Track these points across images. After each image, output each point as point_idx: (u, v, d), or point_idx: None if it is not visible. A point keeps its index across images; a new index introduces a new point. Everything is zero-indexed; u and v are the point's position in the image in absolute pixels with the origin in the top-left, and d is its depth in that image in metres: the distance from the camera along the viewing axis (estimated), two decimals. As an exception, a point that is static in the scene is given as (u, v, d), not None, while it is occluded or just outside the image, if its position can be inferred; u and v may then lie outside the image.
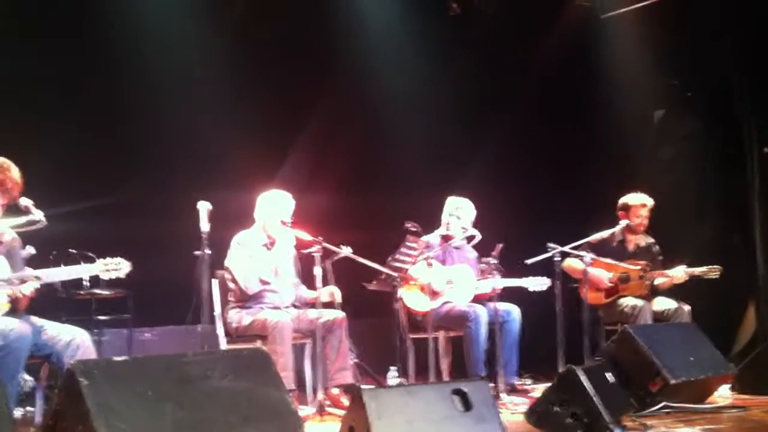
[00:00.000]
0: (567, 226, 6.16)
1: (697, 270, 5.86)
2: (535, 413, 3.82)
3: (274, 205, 5.18)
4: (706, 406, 4.52)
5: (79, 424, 2.60)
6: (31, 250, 4.06)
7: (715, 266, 5.84)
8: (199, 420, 2.82)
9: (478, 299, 5.66)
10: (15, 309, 3.78)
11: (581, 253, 5.59)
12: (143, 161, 6.11)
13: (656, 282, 5.96)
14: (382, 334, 5.84)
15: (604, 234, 5.94)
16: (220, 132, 6.29)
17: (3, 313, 3.68)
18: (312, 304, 5.07)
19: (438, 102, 7.36)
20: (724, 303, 6.56)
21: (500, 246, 5.23)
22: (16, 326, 3.53)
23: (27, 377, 3.86)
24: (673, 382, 4.31)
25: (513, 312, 5.64)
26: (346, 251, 4.95)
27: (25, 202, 3.83)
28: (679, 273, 5.88)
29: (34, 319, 3.81)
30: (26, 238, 4.03)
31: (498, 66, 7.43)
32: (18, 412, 4.25)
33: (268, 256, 5.17)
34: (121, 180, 5.99)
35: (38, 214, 3.77)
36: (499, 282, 5.27)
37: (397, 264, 5.03)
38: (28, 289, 3.70)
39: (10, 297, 3.75)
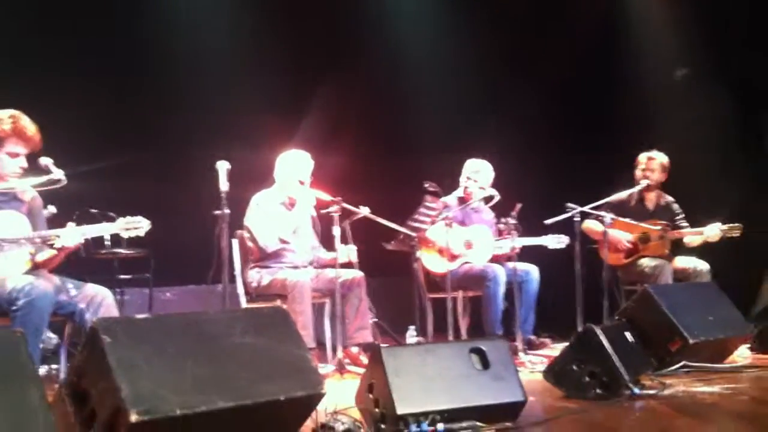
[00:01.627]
0: (587, 186, 6.11)
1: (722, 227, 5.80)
2: (553, 372, 3.83)
3: (293, 165, 5.18)
4: (724, 366, 4.50)
5: (101, 381, 2.63)
6: (52, 209, 4.10)
7: (736, 224, 5.77)
8: (219, 376, 2.84)
9: (497, 259, 5.66)
10: (43, 267, 3.82)
11: (601, 213, 5.56)
12: (164, 121, 6.14)
13: (686, 240, 5.89)
14: (400, 293, 5.88)
15: (623, 195, 5.92)
16: (239, 93, 6.29)
17: (24, 272, 3.72)
18: (331, 266, 5.08)
19: (459, 63, 7.29)
20: (744, 263, 6.49)
21: (519, 206, 5.20)
22: (40, 284, 3.57)
23: (51, 335, 3.92)
24: (692, 341, 4.30)
25: (532, 272, 5.64)
26: (364, 211, 4.95)
27: (44, 161, 3.84)
28: (714, 231, 5.76)
29: (57, 277, 3.84)
30: (47, 197, 4.06)
31: (520, 27, 7.32)
32: (42, 370, 4.33)
33: (287, 215, 5.19)
34: (142, 140, 6.03)
35: (58, 173, 3.79)
36: (517, 241, 5.26)
37: (416, 224, 5.03)
38: (73, 240, 3.71)
39: (32, 255, 3.79)
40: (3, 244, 3.69)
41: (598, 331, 3.77)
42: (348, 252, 4.99)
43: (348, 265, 5.06)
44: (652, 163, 6.00)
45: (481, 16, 7.29)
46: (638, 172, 6.01)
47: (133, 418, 2.47)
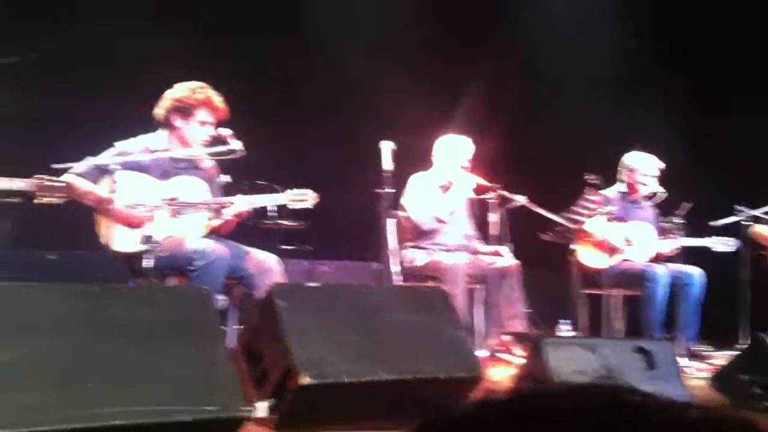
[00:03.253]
0: (759, 189, 5.76)
1: None
2: (720, 379, 3.66)
3: (453, 149, 5.18)
4: None
5: (274, 342, 2.75)
6: (226, 178, 4.30)
7: None
8: (380, 350, 2.91)
9: (659, 259, 5.43)
10: (216, 232, 4.03)
11: (773, 218, 5.24)
12: (335, 101, 6.34)
13: None
14: (553, 285, 5.77)
15: (801, 199, 5.53)
16: (404, 79, 6.39)
17: (203, 236, 3.94)
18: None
19: (623, 52, 7.04)
20: None
21: (686, 205, 4.98)
22: (217, 247, 3.76)
23: (220, 297, 4.11)
24: None
25: (695, 275, 5.37)
26: (522, 200, 4.89)
27: (224, 132, 4.03)
28: None
29: (230, 242, 4.04)
30: (222, 167, 4.26)
31: (684, 17, 6.98)
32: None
33: (444, 198, 5.20)
34: (313, 118, 6.24)
35: (237, 144, 3.96)
36: (681, 241, 5.03)
37: (575, 216, 4.92)
38: (230, 212, 3.92)
39: (208, 220, 4.00)
40: (184, 207, 3.91)
41: (771, 342, 3.56)
42: (499, 251, 4.95)
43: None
44: None
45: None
46: None
47: (304, 380, 2.57)
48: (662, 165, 5.56)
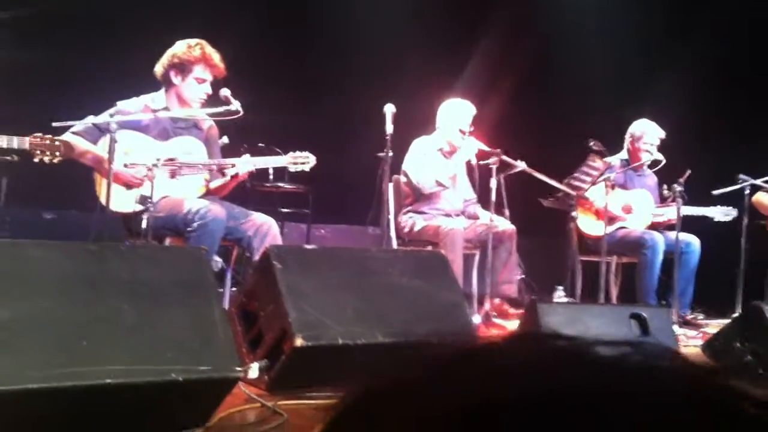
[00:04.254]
0: (762, 158, 5.74)
1: None
2: (712, 347, 3.68)
3: (456, 114, 5.15)
4: None
5: (270, 303, 2.77)
6: (225, 139, 4.28)
7: None
8: (377, 312, 2.93)
9: (656, 227, 5.44)
10: (214, 194, 4.03)
11: (775, 188, 5.23)
12: (337, 63, 6.31)
13: None
14: (550, 252, 5.79)
15: (804, 169, 5.51)
16: (408, 39, 6.34)
17: (199, 196, 3.93)
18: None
19: (630, 18, 6.96)
20: None
21: (688, 172, 4.97)
22: (214, 208, 3.76)
23: (217, 258, 4.12)
24: None
25: (693, 243, 5.39)
26: (522, 165, 4.88)
27: (224, 92, 4.00)
28: None
29: (228, 204, 4.04)
30: (221, 128, 4.25)
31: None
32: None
33: (445, 162, 5.19)
34: (316, 80, 6.20)
35: (236, 105, 3.93)
36: (682, 209, 5.03)
37: (576, 183, 4.91)
38: (230, 174, 3.92)
39: (206, 182, 4.00)
40: (182, 167, 3.90)
41: (766, 310, 3.57)
42: (499, 219, 4.95)
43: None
44: None
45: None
46: None
47: (299, 342, 2.59)
48: (663, 134, 5.54)
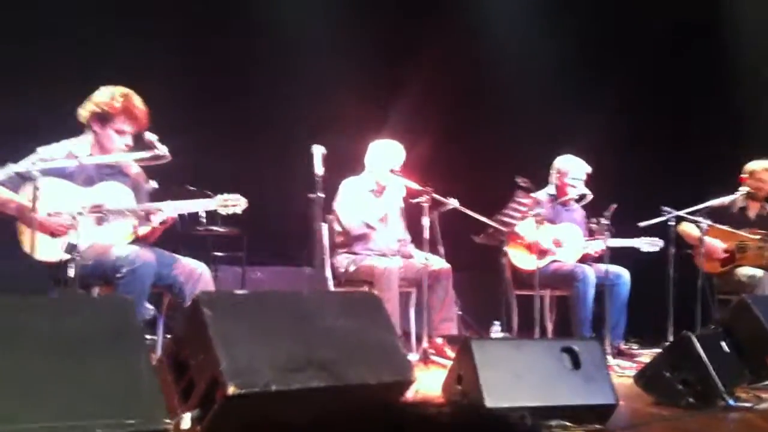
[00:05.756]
0: (684, 190, 5.94)
1: None
2: (645, 377, 3.74)
3: (384, 154, 5.21)
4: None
5: (201, 351, 2.70)
6: (154, 184, 4.22)
7: None
8: (312, 356, 2.88)
9: (586, 260, 5.55)
10: (143, 240, 3.95)
11: (698, 219, 5.40)
12: (264, 104, 6.29)
13: None
14: (485, 288, 5.83)
15: (725, 200, 5.73)
16: (336, 80, 6.37)
17: (128, 243, 3.85)
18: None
19: (551, 55, 7.16)
20: None
21: (613, 207, 5.09)
22: (143, 253, 3.69)
23: (148, 306, 4.04)
24: (791, 356, 4.12)
25: (623, 276, 5.51)
26: (453, 203, 4.93)
27: (150, 136, 3.93)
28: None
29: (158, 250, 3.96)
30: (148, 172, 4.18)
31: (614, 21, 7.15)
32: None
33: (375, 202, 5.21)
34: (241, 120, 6.17)
35: (163, 149, 3.87)
36: (609, 242, 5.15)
37: (506, 219, 4.98)
38: (158, 219, 3.84)
39: (135, 228, 3.92)
40: (109, 214, 3.82)
41: (694, 339, 3.66)
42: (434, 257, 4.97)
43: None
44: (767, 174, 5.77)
45: (576, 14, 7.14)
46: (758, 183, 5.77)
47: (231, 390, 2.52)
48: (589, 169, 5.69)
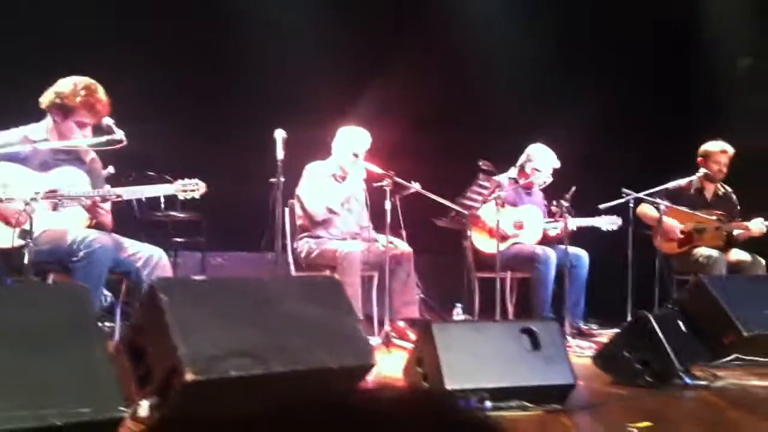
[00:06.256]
0: (644, 172, 6.02)
1: None
2: (602, 357, 3.79)
3: (349, 139, 5.19)
4: (778, 361, 4.40)
5: (158, 339, 2.67)
6: (111, 169, 4.15)
7: None
8: (272, 341, 2.87)
9: (548, 241, 5.60)
10: (100, 227, 3.89)
11: (656, 200, 5.48)
12: (225, 86, 6.23)
13: (735, 233, 5.81)
14: (448, 271, 5.86)
15: (681, 182, 5.81)
16: (301, 63, 6.32)
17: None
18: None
19: (522, 46, 7.18)
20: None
21: (573, 189, 5.14)
22: (100, 237, 3.63)
23: (106, 293, 3.98)
24: (746, 334, 4.17)
25: (583, 257, 5.59)
26: (415, 186, 4.93)
27: (107, 121, 3.87)
28: (757, 225, 5.73)
29: (115, 236, 3.90)
30: (106, 158, 4.11)
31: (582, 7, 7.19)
32: (97, 326, 4.41)
33: (337, 187, 5.20)
34: (201, 104, 6.09)
35: (119, 134, 3.81)
36: (570, 221, 5.20)
37: (468, 202, 5.00)
38: (131, 197, 3.79)
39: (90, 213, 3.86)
40: (64, 200, 3.75)
41: (651, 319, 3.72)
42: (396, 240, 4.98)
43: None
44: (725, 156, 5.85)
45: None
46: (713, 165, 5.84)
47: (189, 377, 2.50)
48: (558, 164, 5.74)
